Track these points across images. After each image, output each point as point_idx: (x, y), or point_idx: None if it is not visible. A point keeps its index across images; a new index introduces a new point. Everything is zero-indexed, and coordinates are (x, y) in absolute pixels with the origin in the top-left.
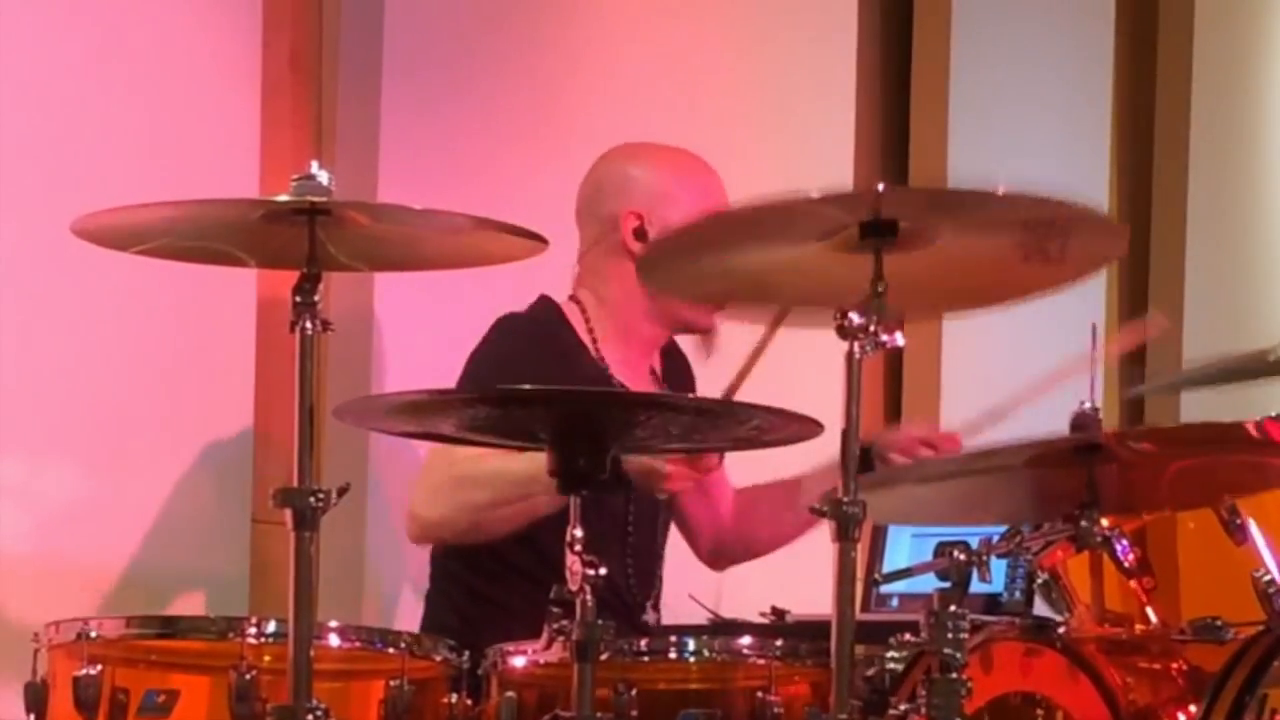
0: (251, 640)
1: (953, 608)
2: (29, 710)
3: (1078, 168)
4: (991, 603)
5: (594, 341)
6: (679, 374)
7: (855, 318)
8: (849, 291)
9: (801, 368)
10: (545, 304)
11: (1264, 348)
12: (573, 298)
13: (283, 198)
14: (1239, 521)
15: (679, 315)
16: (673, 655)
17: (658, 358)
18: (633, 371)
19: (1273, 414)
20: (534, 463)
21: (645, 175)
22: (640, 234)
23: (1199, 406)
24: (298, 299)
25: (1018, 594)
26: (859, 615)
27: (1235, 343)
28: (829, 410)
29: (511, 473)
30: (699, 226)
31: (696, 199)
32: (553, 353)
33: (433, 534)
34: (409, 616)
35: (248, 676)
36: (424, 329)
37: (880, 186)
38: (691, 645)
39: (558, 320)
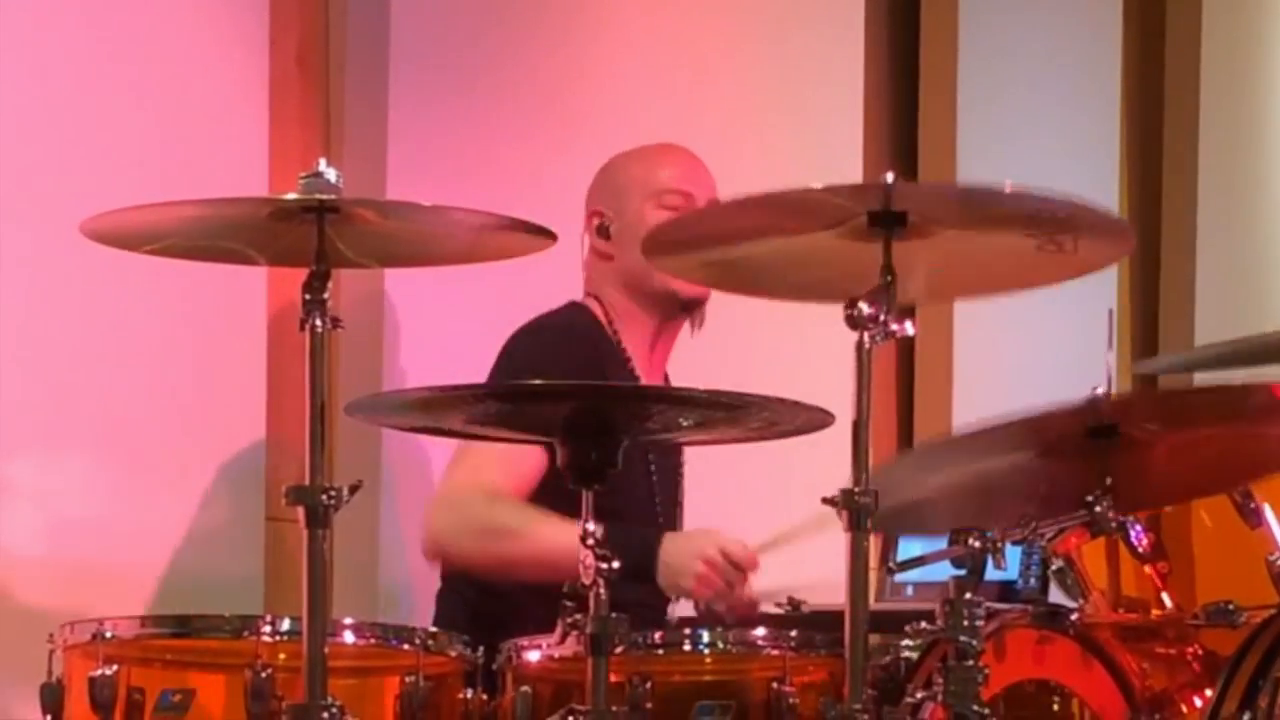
0: (267, 638)
1: (968, 595)
2: (45, 711)
3: (1088, 156)
4: (1007, 590)
5: (617, 339)
6: None
7: (865, 307)
8: (858, 278)
9: (812, 357)
10: (571, 307)
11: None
12: (591, 295)
13: (291, 196)
14: (1253, 505)
15: (667, 291)
16: (687, 647)
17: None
18: (650, 373)
19: None
20: (574, 537)
21: (604, 173)
22: (603, 230)
23: None
24: (307, 296)
25: (1033, 581)
26: (874, 604)
27: (1246, 330)
28: (840, 401)
29: (552, 541)
30: (701, 215)
31: (646, 179)
32: (584, 355)
33: (452, 565)
34: (424, 612)
35: (263, 675)
36: (434, 325)
37: (889, 178)
38: (706, 637)
39: (586, 321)
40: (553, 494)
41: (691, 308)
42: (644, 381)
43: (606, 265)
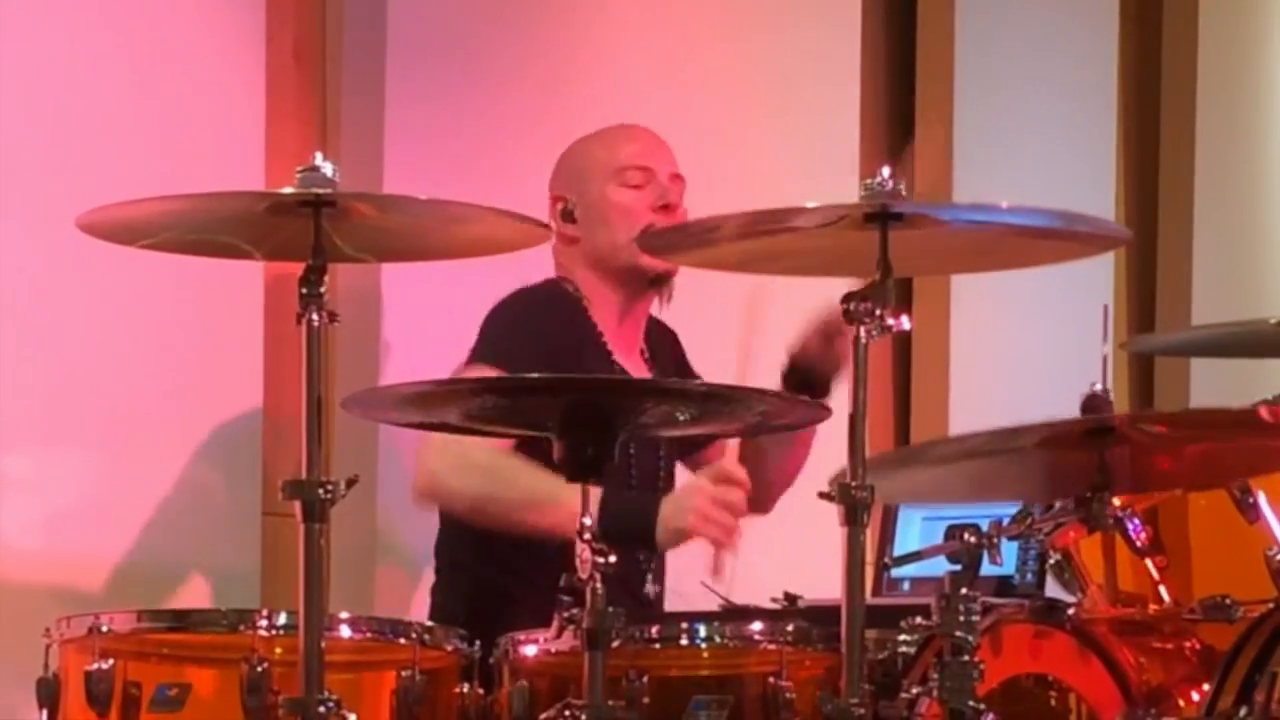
0: (263, 633)
1: (964, 590)
2: (41, 705)
3: (1084, 149)
4: (1004, 584)
5: (590, 321)
6: (663, 345)
7: (861, 302)
8: (854, 264)
9: None
10: (550, 282)
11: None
12: (563, 279)
13: (288, 190)
14: (1251, 499)
15: (635, 267)
16: (684, 642)
17: (644, 338)
18: (627, 351)
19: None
20: (568, 495)
21: (565, 158)
22: (566, 214)
23: (1208, 382)
24: (304, 291)
25: (1030, 576)
26: (870, 599)
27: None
28: (837, 393)
29: (550, 493)
30: (696, 225)
31: (606, 159)
32: (564, 324)
33: (441, 504)
34: (420, 607)
35: (259, 669)
36: (431, 319)
37: (887, 180)
38: (703, 631)
39: (565, 294)
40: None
41: (659, 283)
42: (618, 358)
43: (573, 248)
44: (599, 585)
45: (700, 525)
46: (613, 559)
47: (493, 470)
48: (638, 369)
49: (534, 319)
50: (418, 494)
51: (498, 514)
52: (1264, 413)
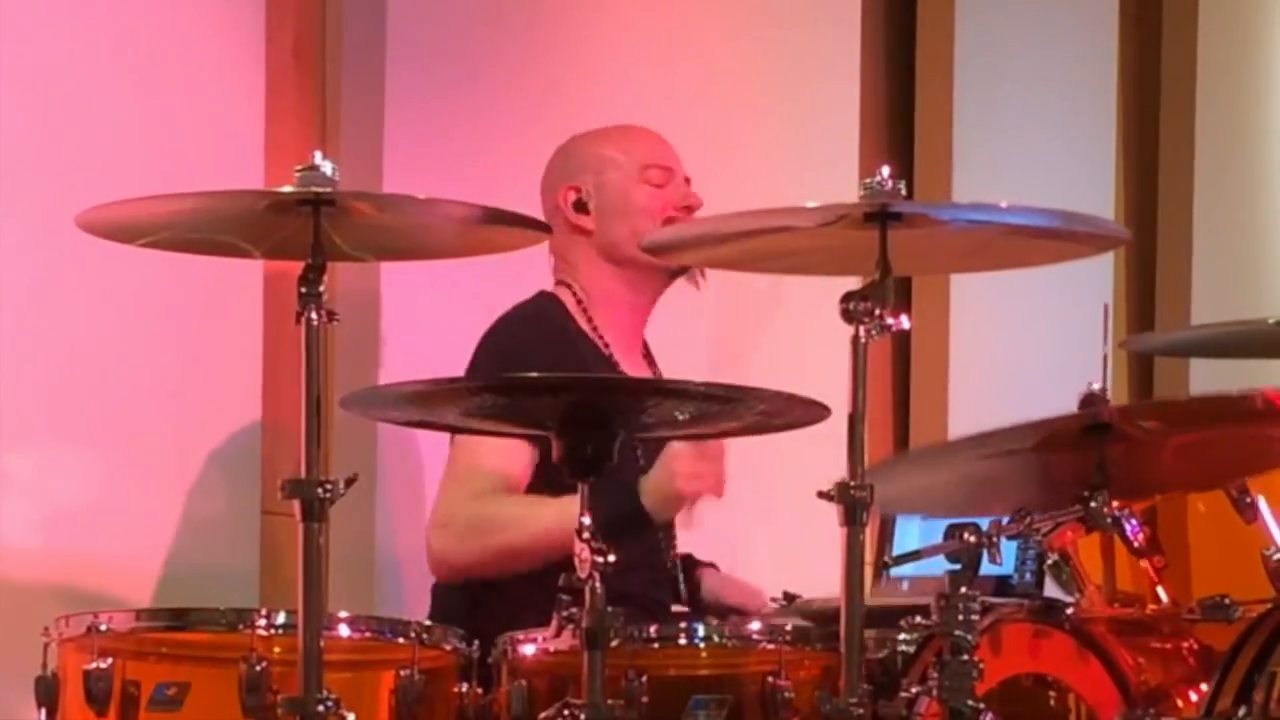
0: (262, 632)
1: (963, 590)
2: (40, 704)
3: (1084, 149)
4: (1002, 584)
5: (591, 325)
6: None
7: (860, 301)
8: (855, 263)
9: (809, 350)
10: (541, 297)
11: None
12: (562, 283)
13: (287, 189)
14: (1249, 500)
15: (655, 260)
16: (683, 641)
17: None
18: (628, 352)
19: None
20: (563, 512)
21: (576, 150)
22: (580, 206)
23: (1207, 382)
24: (303, 290)
25: (1028, 576)
26: (869, 599)
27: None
28: (836, 393)
29: (539, 520)
30: (699, 224)
31: (625, 155)
32: (556, 344)
33: (462, 575)
34: (419, 606)
35: (258, 668)
36: (430, 318)
37: (886, 178)
38: (701, 631)
39: (556, 311)
40: (542, 490)
41: (682, 271)
42: (618, 358)
43: (583, 240)
44: (598, 584)
45: (688, 483)
46: (612, 558)
47: (491, 524)
48: (638, 368)
49: (526, 341)
50: (438, 578)
51: (515, 563)
52: (1258, 399)
